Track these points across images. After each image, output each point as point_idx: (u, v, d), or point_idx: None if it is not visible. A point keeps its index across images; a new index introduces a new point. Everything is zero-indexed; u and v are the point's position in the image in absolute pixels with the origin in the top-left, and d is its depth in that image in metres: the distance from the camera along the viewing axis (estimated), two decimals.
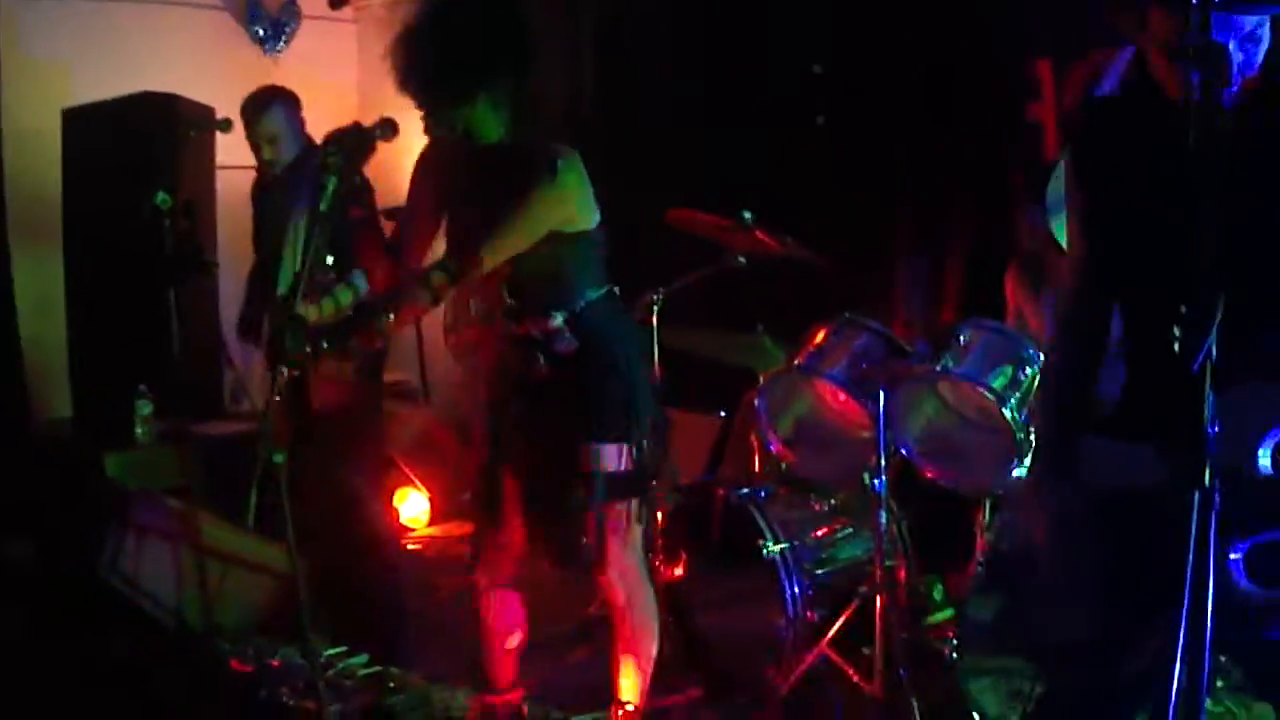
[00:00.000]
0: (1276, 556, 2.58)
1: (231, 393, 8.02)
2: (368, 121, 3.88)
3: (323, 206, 3.72)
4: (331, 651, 5.17)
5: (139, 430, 6.91)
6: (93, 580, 5.54)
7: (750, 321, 5.64)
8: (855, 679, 4.88)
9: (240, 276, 6.46)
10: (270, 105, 5.95)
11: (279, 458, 3.62)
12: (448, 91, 4.06)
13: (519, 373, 4.24)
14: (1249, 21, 2.69)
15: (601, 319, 4.22)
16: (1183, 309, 2.40)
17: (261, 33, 9.71)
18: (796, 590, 4.94)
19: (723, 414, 7.36)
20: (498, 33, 4.05)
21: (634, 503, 4.23)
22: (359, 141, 3.87)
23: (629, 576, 4.30)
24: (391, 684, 4.91)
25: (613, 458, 4.15)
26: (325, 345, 4.09)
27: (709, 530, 5.38)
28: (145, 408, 6.93)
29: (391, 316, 4.06)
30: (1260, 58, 2.76)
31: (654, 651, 4.41)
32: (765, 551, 4.96)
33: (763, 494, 5.22)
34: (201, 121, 7.79)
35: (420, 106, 4.10)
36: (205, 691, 5.11)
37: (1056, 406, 3.24)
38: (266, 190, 5.97)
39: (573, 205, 4.12)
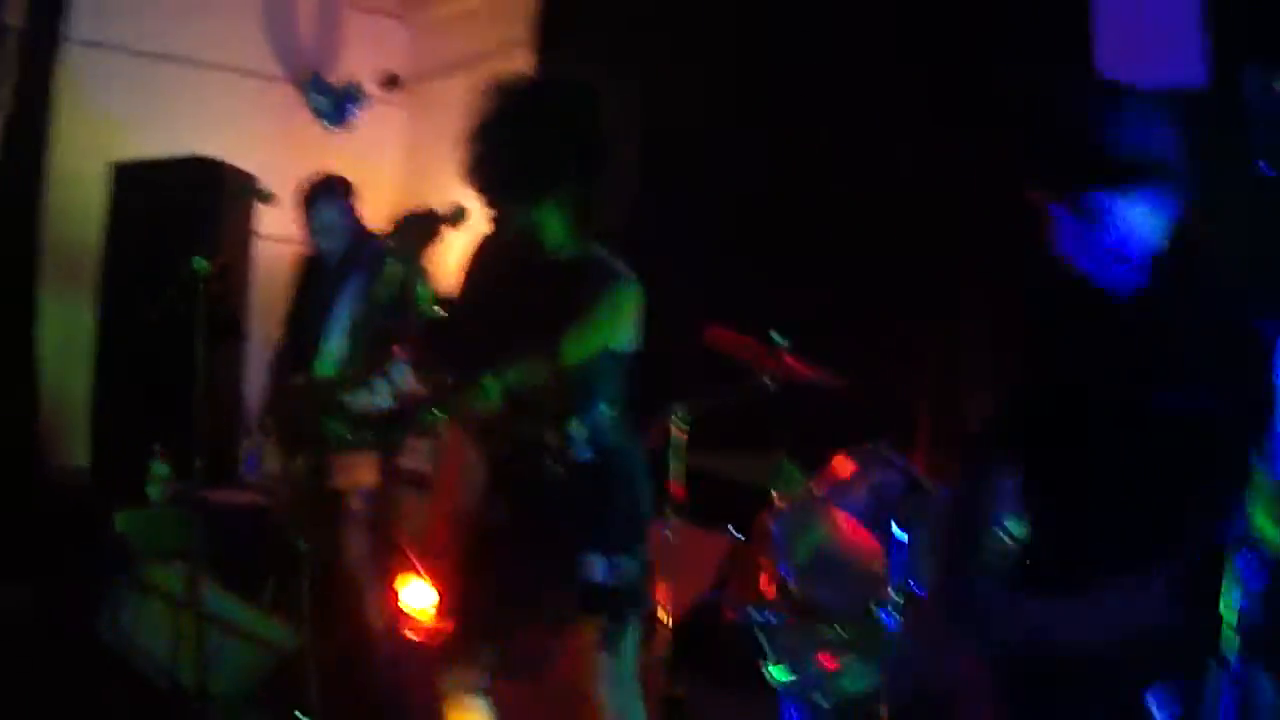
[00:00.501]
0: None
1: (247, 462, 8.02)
2: (413, 205, 3.87)
3: (383, 292, 3.69)
4: None
5: (152, 490, 6.92)
6: (90, 634, 5.54)
7: (774, 444, 5.62)
8: None
9: (268, 348, 6.48)
10: (329, 196, 6.02)
11: (304, 546, 3.58)
12: (518, 189, 3.99)
13: (525, 477, 4.16)
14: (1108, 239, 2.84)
15: (616, 432, 4.14)
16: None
17: (322, 109, 9.79)
18: (798, 718, 4.89)
19: (734, 533, 7.33)
20: (575, 131, 3.99)
21: (633, 616, 4.13)
22: (427, 226, 3.84)
23: (620, 694, 4.15)
24: None
25: (618, 570, 4.04)
26: (371, 436, 4.08)
27: (714, 649, 5.34)
28: (162, 469, 6.94)
29: (442, 416, 4.02)
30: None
31: None
32: (769, 677, 4.92)
33: (771, 618, 5.17)
34: (246, 190, 7.85)
35: (488, 204, 4.02)
36: None
37: (951, 546, 3.27)
38: (314, 275, 6.00)
39: (629, 325, 4.05)
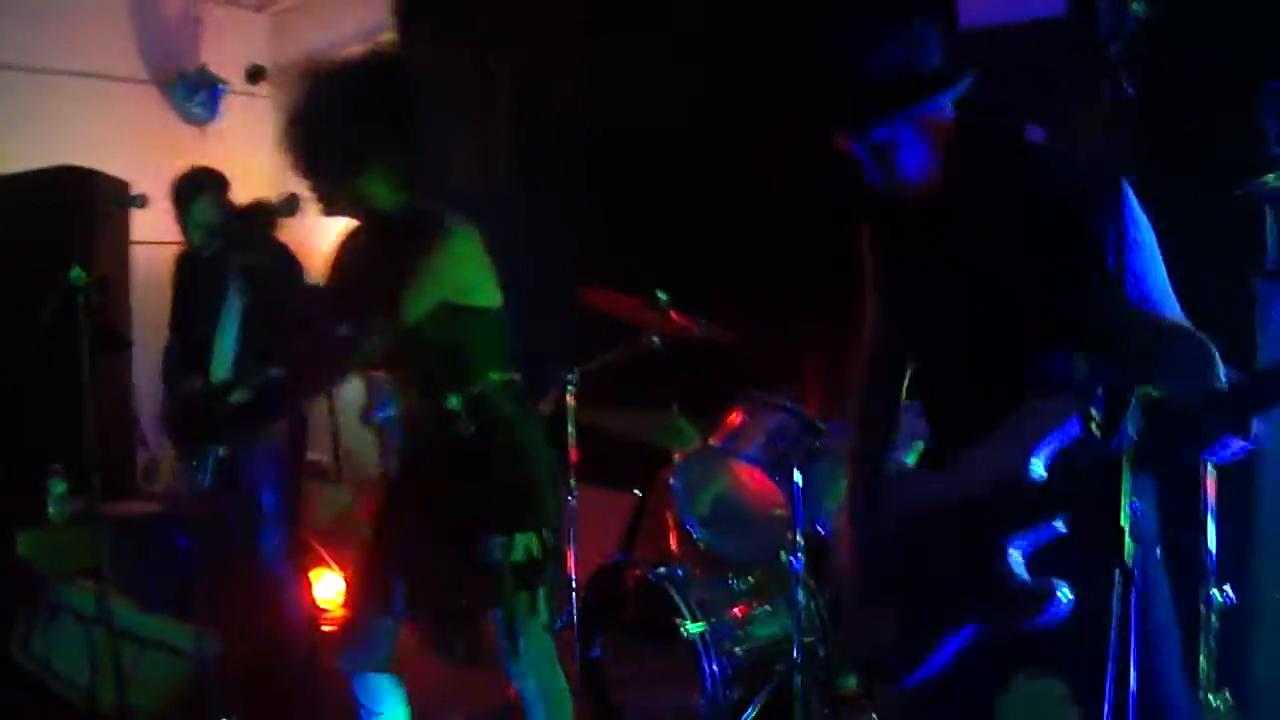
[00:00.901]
0: (1050, 551, 2.91)
1: (144, 472, 7.96)
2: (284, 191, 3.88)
3: (238, 287, 3.70)
4: None
5: (52, 509, 6.85)
6: (3, 660, 5.49)
7: (665, 400, 5.65)
8: None
9: (154, 354, 6.41)
10: (201, 189, 5.95)
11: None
12: (328, 170, 3.99)
13: (417, 455, 4.24)
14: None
15: (502, 404, 4.17)
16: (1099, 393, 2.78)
17: (187, 107, 9.71)
18: (715, 669, 4.93)
19: (637, 492, 7.37)
20: (373, 106, 3.97)
21: (539, 592, 4.15)
22: (257, 216, 3.84)
23: (538, 667, 4.22)
24: None
25: (514, 549, 4.06)
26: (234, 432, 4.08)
27: (625, 609, 5.38)
28: (59, 486, 6.87)
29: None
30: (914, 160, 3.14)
31: None
32: (683, 630, 4.95)
33: (680, 573, 5.21)
34: (118, 197, 7.76)
35: (310, 190, 4.03)
36: None
37: (862, 441, 3.52)
38: (195, 273, 5.94)
39: (467, 272, 4.04)
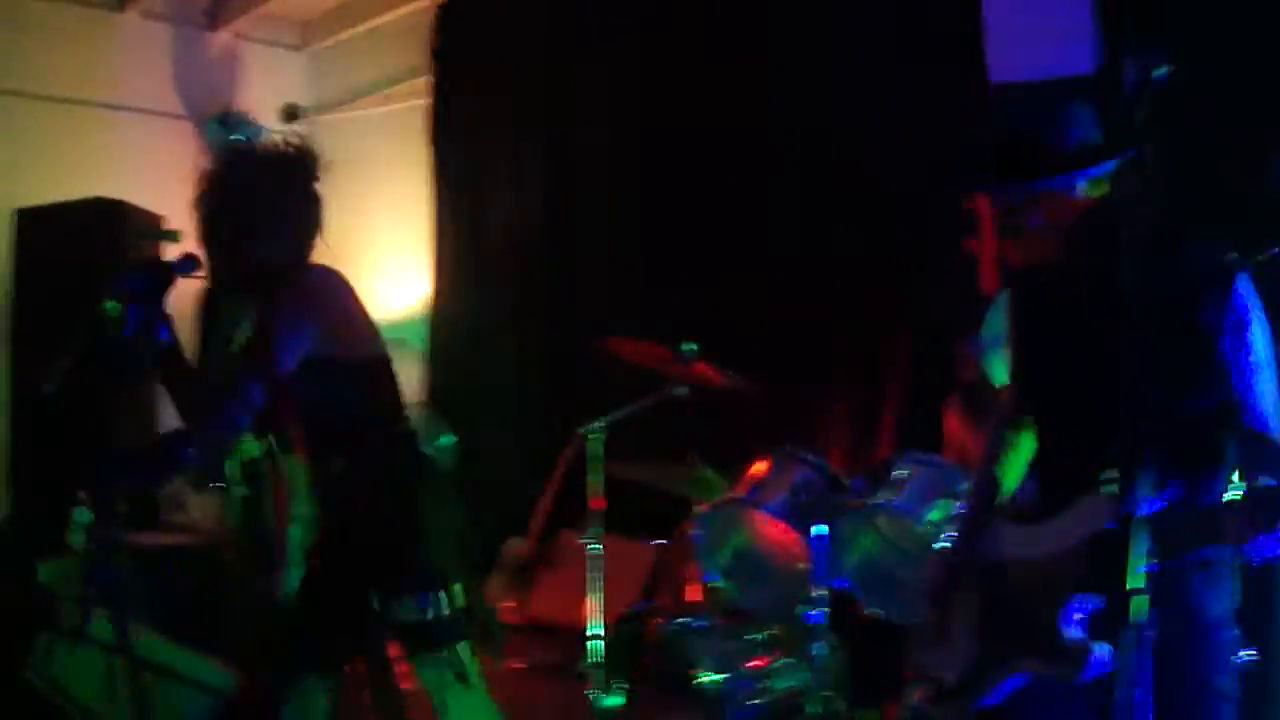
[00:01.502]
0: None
1: (168, 503, 7.98)
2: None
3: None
4: None
5: (74, 537, 6.85)
6: (20, 685, 5.50)
7: (687, 449, 5.66)
8: None
9: None
10: None
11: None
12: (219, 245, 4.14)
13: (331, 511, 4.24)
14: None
15: (391, 461, 4.16)
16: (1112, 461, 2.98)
17: (223, 147, 9.75)
18: None
19: (656, 542, 7.37)
20: (256, 195, 4.10)
21: (456, 649, 4.12)
22: (155, 274, 3.93)
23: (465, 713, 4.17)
24: None
25: (417, 609, 4.03)
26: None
27: (645, 659, 5.38)
28: (83, 515, 6.87)
29: None
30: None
31: None
32: (702, 681, 4.96)
33: (700, 624, 5.22)
34: (150, 230, 7.82)
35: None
36: None
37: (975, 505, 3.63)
38: (219, 307, 5.99)
39: (319, 320, 4.02)
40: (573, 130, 8.45)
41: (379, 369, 4.18)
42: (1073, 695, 3.19)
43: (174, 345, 4.09)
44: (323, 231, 4.22)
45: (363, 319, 4.16)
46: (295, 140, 4.23)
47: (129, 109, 9.50)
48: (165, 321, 4.19)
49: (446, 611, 4.06)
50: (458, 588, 4.12)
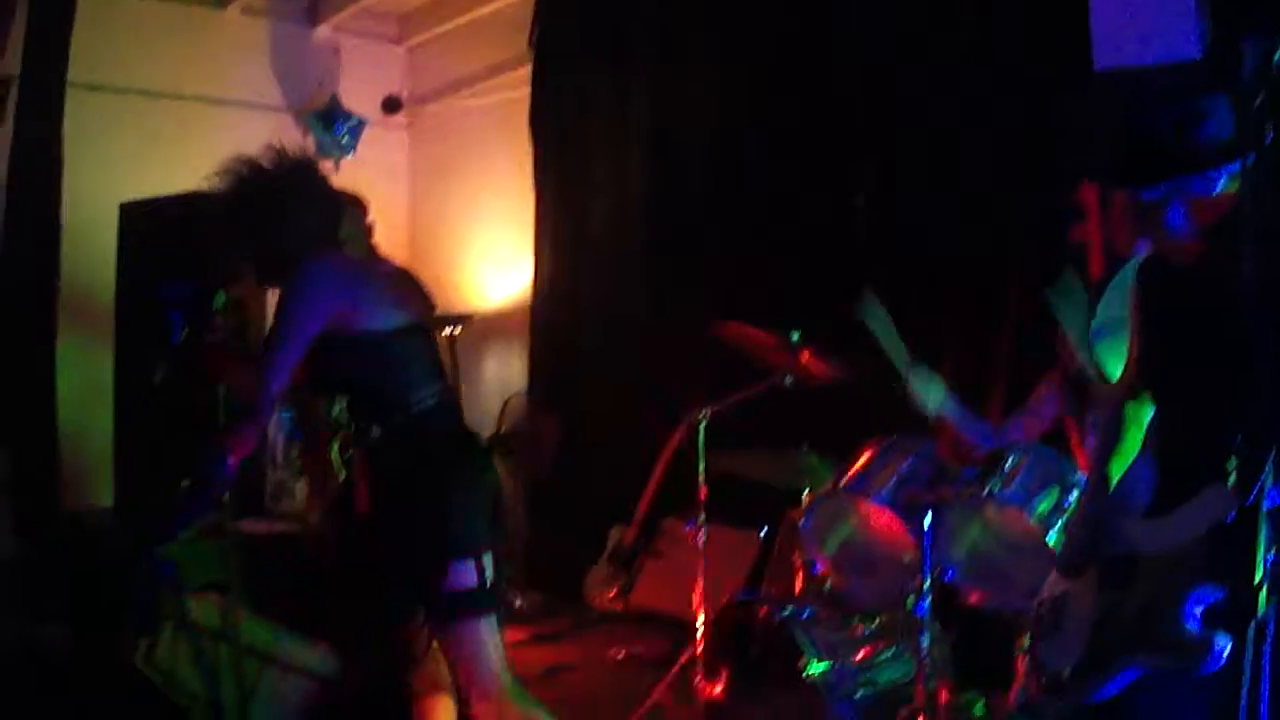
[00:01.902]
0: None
1: (273, 493, 8.04)
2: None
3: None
4: None
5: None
6: (128, 671, 5.55)
7: (796, 439, 5.62)
8: None
9: None
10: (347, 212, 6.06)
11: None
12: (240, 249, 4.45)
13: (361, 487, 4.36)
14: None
15: (427, 430, 4.26)
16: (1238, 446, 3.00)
17: (325, 140, 9.82)
18: (837, 712, 4.89)
19: (763, 531, 7.34)
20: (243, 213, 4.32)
21: (484, 622, 4.18)
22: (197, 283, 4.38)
23: (494, 699, 4.22)
24: None
25: (451, 577, 4.11)
26: None
27: (750, 648, 5.36)
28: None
29: None
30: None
31: None
32: (807, 672, 4.92)
33: (806, 614, 5.18)
34: None
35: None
36: None
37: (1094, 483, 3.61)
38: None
39: (320, 303, 4.16)
40: (675, 117, 8.42)
41: (402, 344, 4.27)
42: (1192, 688, 3.16)
43: (221, 348, 4.42)
44: (335, 225, 4.47)
45: (378, 298, 4.27)
46: (294, 152, 4.43)
47: (231, 103, 9.60)
48: (208, 326, 4.41)
49: (477, 582, 4.13)
50: (488, 558, 4.18)
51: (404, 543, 4.24)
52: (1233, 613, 2.90)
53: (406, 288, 4.57)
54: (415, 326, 4.34)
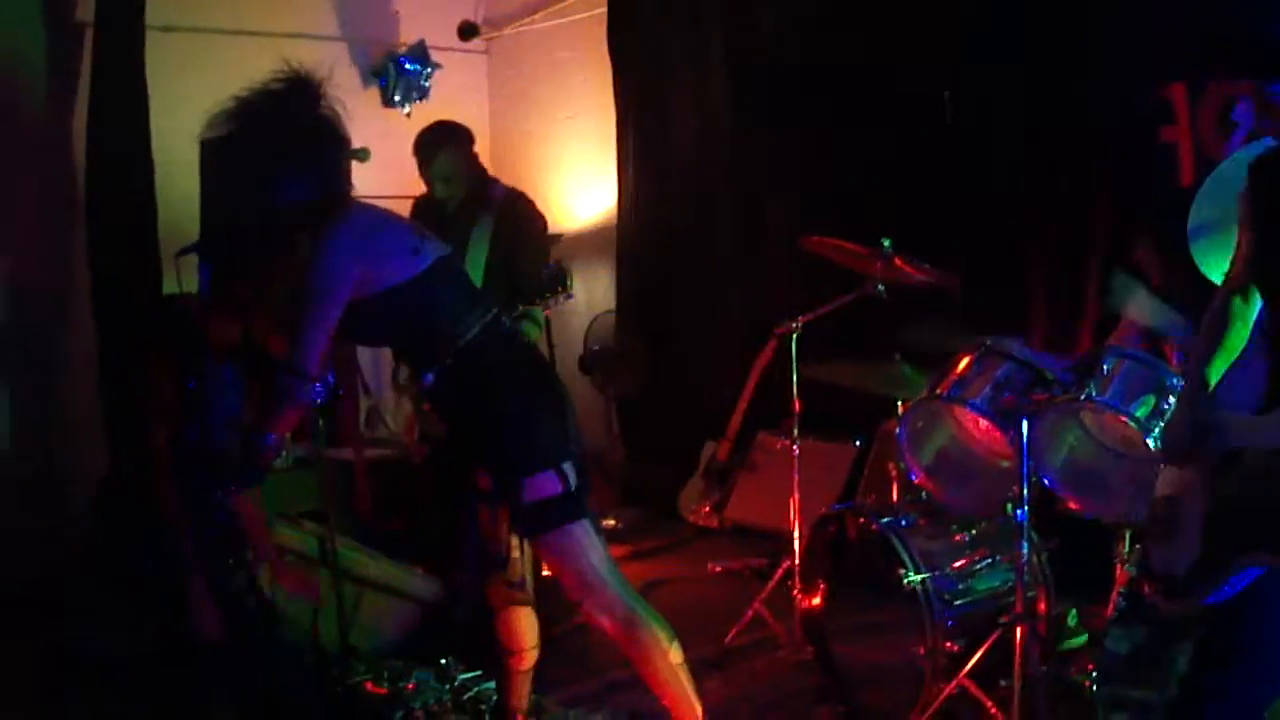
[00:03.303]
0: None
1: (367, 418, 8.08)
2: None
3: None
4: (466, 675, 5.18)
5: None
6: (232, 599, 5.60)
7: (889, 349, 5.58)
8: (994, 711, 4.80)
9: None
10: (445, 145, 6.09)
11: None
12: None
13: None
14: None
15: (480, 357, 4.23)
16: None
17: (398, 83, 9.80)
18: (936, 621, 4.86)
19: (857, 442, 7.32)
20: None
21: (576, 527, 4.19)
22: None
23: (604, 602, 4.25)
24: None
25: (533, 489, 4.13)
26: None
27: (847, 559, 5.34)
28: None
29: None
30: None
31: (677, 659, 4.32)
32: (905, 581, 4.88)
33: (903, 523, 5.14)
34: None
35: None
36: (340, 714, 5.14)
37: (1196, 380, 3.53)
38: (432, 222, 6.02)
39: (342, 271, 4.11)
40: (753, 31, 8.33)
41: (429, 286, 4.23)
42: None
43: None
44: (347, 166, 4.34)
45: (396, 249, 4.22)
46: (288, 74, 4.30)
47: (306, 36, 9.58)
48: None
49: (561, 489, 4.16)
50: (567, 463, 4.19)
51: (483, 466, 4.32)
52: None
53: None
54: (439, 265, 4.29)
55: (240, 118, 4.21)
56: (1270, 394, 3.29)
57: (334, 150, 4.26)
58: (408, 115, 9.66)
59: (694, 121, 8.85)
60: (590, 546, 4.22)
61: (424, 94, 9.87)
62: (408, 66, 9.84)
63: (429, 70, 9.93)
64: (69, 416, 8.31)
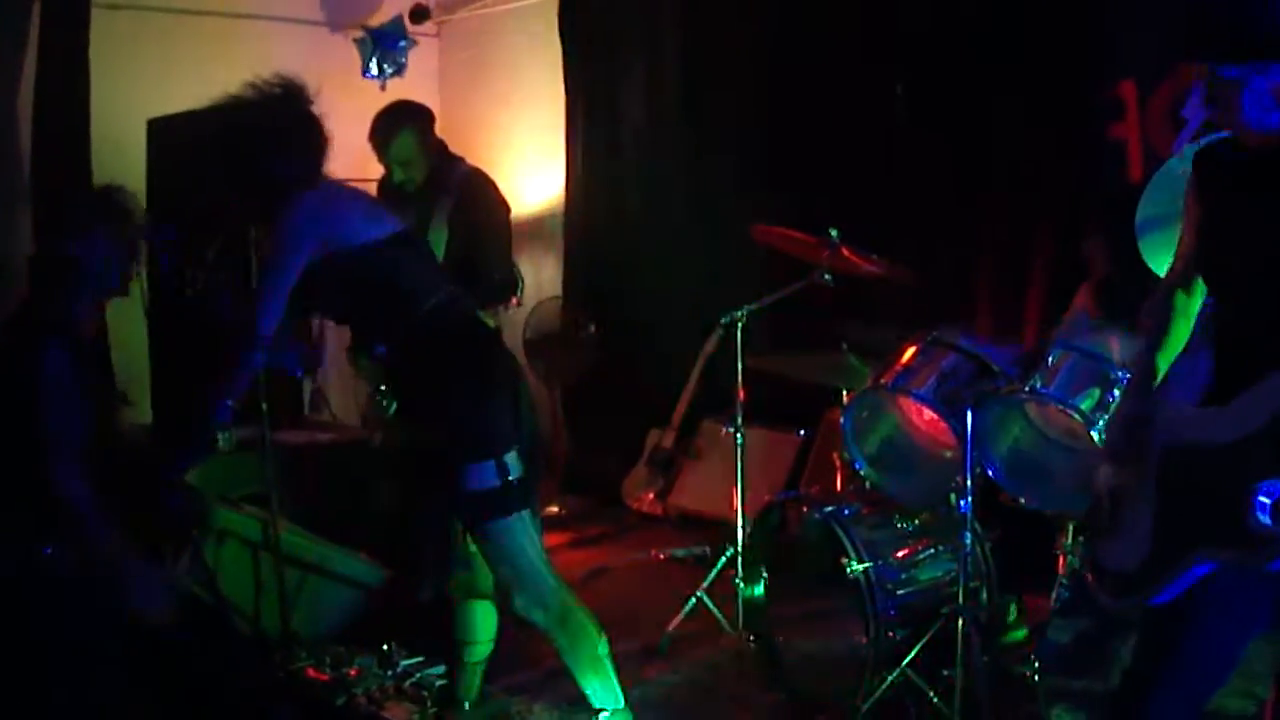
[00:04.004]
0: None
1: (311, 400, 8.05)
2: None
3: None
4: (409, 661, 5.16)
5: (220, 437, 6.90)
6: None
7: (834, 339, 5.59)
8: (936, 701, 4.82)
9: None
10: (403, 129, 6.00)
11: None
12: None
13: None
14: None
15: (437, 335, 4.29)
16: None
17: (373, 60, 9.73)
18: (879, 610, 4.88)
19: (802, 432, 7.33)
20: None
21: (514, 520, 4.22)
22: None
23: (536, 596, 4.29)
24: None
25: (472, 478, 4.16)
26: None
27: (790, 548, 5.34)
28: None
29: None
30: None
31: (604, 651, 4.38)
32: (848, 570, 4.90)
33: (846, 512, 5.15)
34: None
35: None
36: (282, 699, 5.11)
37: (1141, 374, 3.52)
38: (393, 204, 5.98)
39: (301, 237, 4.19)
40: (707, 17, 8.32)
41: (389, 254, 4.28)
42: (1260, 583, 3.13)
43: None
44: (325, 154, 4.40)
45: (357, 215, 4.33)
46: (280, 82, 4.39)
47: (269, 18, 9.52)
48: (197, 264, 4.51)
49: (500, 482, 4.16)
50: (510, 457, 4.20)
51: (430, 448, 4.32)
52: None
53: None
54: (399, 237, 4.34)
55: (250, 103, 4.34)
56: (1215, 387, 3.28)
57: (320, 139, 4.36)
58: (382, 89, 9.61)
59: (645, 107, 8.83)
60: (528, 540, 4.25)
61: (402, 71, 9.81)
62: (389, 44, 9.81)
63: (406, 45, 9.88)
64: None
